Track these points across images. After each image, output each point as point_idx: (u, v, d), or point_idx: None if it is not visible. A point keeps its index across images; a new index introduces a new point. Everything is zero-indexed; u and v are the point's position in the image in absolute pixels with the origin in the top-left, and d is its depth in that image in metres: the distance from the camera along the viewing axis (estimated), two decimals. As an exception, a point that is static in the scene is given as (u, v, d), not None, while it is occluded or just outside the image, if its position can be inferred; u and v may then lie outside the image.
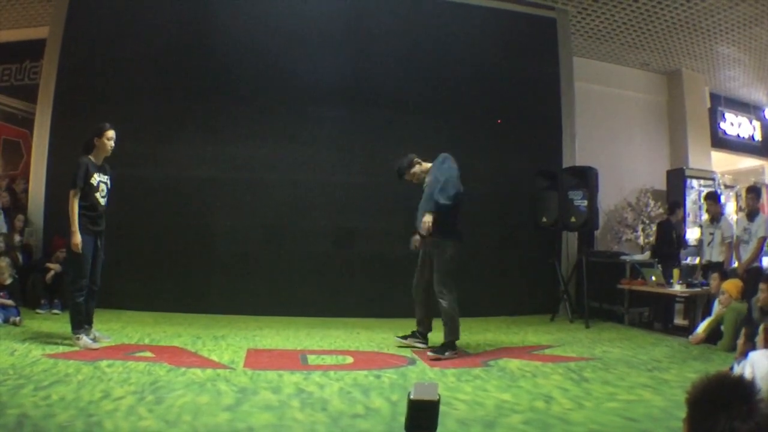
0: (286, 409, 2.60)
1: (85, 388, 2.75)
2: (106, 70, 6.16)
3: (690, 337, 4.97)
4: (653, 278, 5.87)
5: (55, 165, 5.92)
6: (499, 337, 5.00)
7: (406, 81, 6.50)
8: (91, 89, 6.11)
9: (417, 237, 4.29)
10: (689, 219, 8.03)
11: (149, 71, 6.16)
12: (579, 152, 7.14)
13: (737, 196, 8.96)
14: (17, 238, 5.88)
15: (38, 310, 5.22)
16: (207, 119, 6.22)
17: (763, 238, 5.47)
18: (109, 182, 4.11)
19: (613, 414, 2.68)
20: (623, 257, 6.61)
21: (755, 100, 10.00)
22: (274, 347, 4.27)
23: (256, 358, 3.76)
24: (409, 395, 1.48)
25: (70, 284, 4.09)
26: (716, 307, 4.93)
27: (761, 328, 3.31)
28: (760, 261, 5.71)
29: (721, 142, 9.54)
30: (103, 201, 4.03)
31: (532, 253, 6.69)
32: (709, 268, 5.82)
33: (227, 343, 4.23)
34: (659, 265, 6.09)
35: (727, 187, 9.30)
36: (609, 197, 7.75)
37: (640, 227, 7.88)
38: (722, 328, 4.64)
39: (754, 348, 3.29)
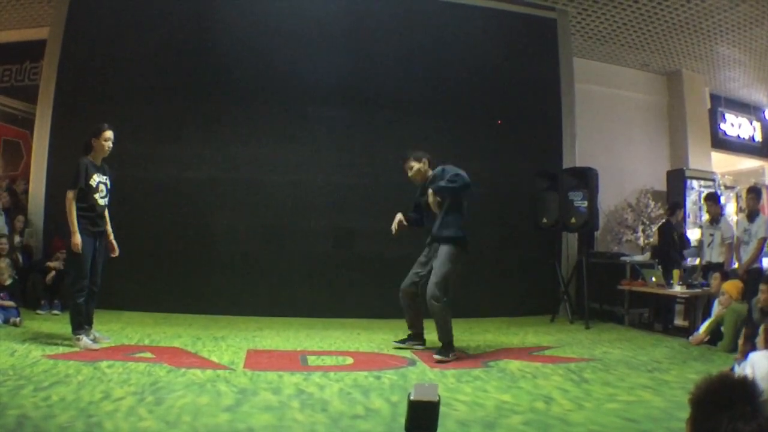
0: (286, 409, 2.60)
1: (85, 388, 2.75)
2: (106, 70, 6.17)
3: (690, 338, 4.96)
4: (653, 279, 5.87)
5: (56, 165, 5.92)
6: (499, 338, 4.99)
7: (406, 81, 6.50)
8: (91, 89, 6.12)
9: (401, 218, 4.27)
10: (689, 220, 8.02)
11: (149, 71, 6.15)
12: (579, 153, 7.13)
13: (737, 197, 8.96)
14: (17, 238, 5.87)
15: (38, 311, 5.22)
16: (207, 119, 6.22)
17: (764, 239, 5.47)
18: (108, 182, 4.10)
19: (614, 415, 2.68)
20: (623, 258, 6.61)
21: (755, 100, 10.01)
22: (274, 348, 4.27)
23: (256, 359, 3.76)
24: (409, 396, 1.48)
25: (70, 285, 4.10)
26: (716, 308, 4.93)
27: (761, 328, 3.31)
28: (761, 262, 5.71)
29: (722, 142, 9.54)
30: (102, 201, 4.02)
31: (532, 254, 6.68)
32: (709, 268, 5.83)
33: (227, 344, 4.23)
34: (660, 266, 6.09)
35: (727, 187, 9.28)
36: (609, 198, 7.74)
37: (641, 228, 7.88)
38: (722, 329, 4.64)
39: (754, 349, 3.29)
